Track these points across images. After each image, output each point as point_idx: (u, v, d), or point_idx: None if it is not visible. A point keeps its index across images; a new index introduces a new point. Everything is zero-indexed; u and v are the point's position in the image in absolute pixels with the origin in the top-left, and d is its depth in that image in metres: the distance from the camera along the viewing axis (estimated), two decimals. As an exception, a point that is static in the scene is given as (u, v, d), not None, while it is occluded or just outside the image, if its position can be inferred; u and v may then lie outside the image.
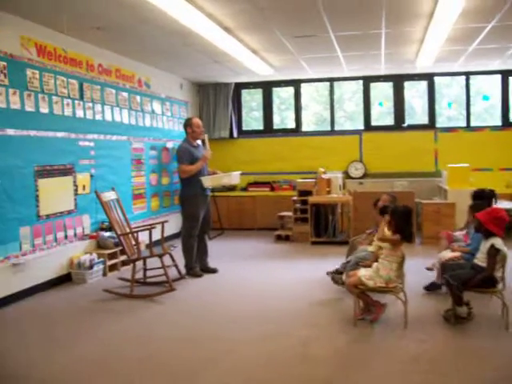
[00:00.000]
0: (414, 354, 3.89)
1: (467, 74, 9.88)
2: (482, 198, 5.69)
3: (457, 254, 5.33)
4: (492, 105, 10.15)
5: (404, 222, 4.53)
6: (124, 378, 3.63)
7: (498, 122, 9.92)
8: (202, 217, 6.57)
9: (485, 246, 4.44)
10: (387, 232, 4.87)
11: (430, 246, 7.39)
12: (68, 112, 6.40)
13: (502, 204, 7.27)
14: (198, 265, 6.65)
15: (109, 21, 5.79)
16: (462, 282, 4.37)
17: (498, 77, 9.80)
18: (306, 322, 4.71)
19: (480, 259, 4.51)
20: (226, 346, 4.17)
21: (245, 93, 11.13)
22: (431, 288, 5.55)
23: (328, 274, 5.90)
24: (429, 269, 5.79)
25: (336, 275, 5.70)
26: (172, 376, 3.65)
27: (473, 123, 10.02)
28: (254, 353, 4.03)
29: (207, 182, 6.45)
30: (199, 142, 6.84)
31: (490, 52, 7.93)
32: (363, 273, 4.59)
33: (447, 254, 5.43)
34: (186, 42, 6.82)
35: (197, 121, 6.72)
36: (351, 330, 4.45)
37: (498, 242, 4.35)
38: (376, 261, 4.90)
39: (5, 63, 5.40)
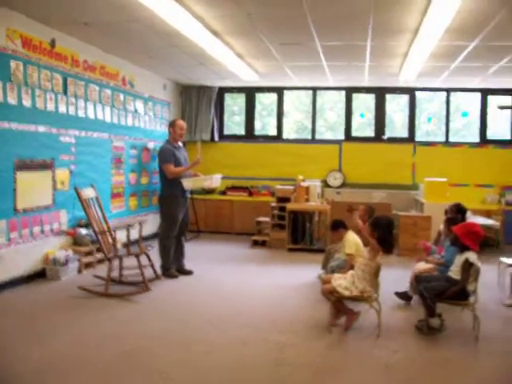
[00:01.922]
0: (387, 363, 3.94)
1: (448, 91, 10.04)
2: (461, 212, 5.81)
3: (431, 265, 5.41)
4: (470, 121, 10.32)
5: (386, 233, 4.55)
6: (101, 374, 3.64)
7: (476, 139, 10.09)
8: (181, 218, 6.56)
9: (459, 259, 4.53)
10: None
11: (407, 257, 7.48)
12: (50, 106, 6.35)
13: (476, 219, 7.40)
14: (174, 266, 6.64)
15: (97, 17, 5.77)
16: (435, 294, 4.45)
17: (478, 94, 9.98)
18: (281, 327, 4.73)
19: (454, 272, 4.59)
20: (202, 347, 4.18)
21: (227, 97, 11.15)
22: (402, 296, 5.60)
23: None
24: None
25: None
26: (147, 373, 3.66)
27: (451, 139, 10.18)
28: (230, 356, 4.04)
29: (188, 183, 6.45)
30: (180, 143, 6.84)
31: (472, 70, 8.08)
32: (338, 282, 4.62)
33: (421, 266, 5.52)
34: (173, 43, 6.82)
35: (181, 123, 6.72)
36: (326, 337, 4.49)
37: (472, 256, 4.44)
38: (351, 268, 4.96)
39: (-11, 54, 5.37)
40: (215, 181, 6.79)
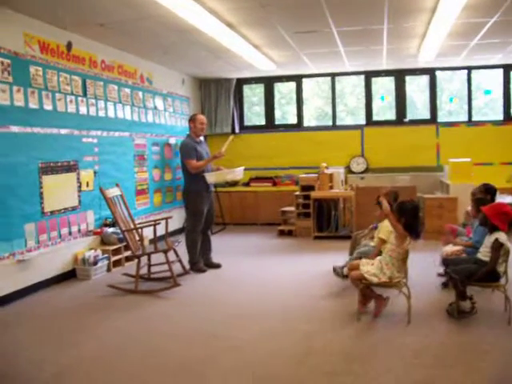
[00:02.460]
0: (418, 348, 3.92)
1: (469, 69, 9.88)
2: (490, 192, 5.72)
3: (459, 247, 5.36)
4: (493, 99, 10.15)
5: (412, 218, 4.49)
6: (128, 375, 3.66)
7: (500, 117, 9.92)
8: (206, 212, 6.60)
9: (489, 239, 4.47)
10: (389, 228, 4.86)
11: (433, 240, 7.40)
12: (71, 109, 6.42)
13: (503, 198, 7.30)
14: (201, 260, 6.68)
15: (112, 17, 5.81)
16: (465, 276, 4.41)
17: (500, 71, 9.79)
18: (310, 316, 4.75)
19: (483, 253, 4.54)
20: (232, 342, 4.20)
21: (246, 88, 11.14)
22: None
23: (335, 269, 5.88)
24: (440, 275, 5.77)
25: (338, 268, 5.71)
26: (177, 372, 3.68)
27: (474, 118, 10.03)
28: (260, 348, 4.06)
29: (211, 178, 6.47)
30: (202, 138, 6.86)
31: (492, 46, 7.93)
32: (366, 268, 4.60)
33: (449, 249, 5.46)
34: (188, 38, 6.82)
35: (201, 117, 6.74)
36: (355, 324, 4.48)
37: (502, 236, 4.38)
38: (378, 254, 4.93)
39: (9, 61, 5.43)
40: (238, 173, 6.79)
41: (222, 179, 7.09)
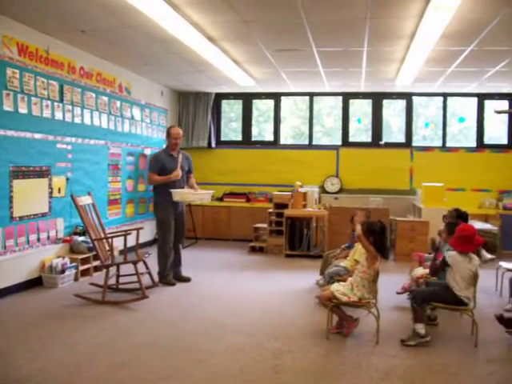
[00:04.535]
0: (385, 369, 3.91)
1: (445, 96, 10.05)
2: (462, 217, 5.79)
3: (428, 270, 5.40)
4: (467, 126, 10.32)
5: (382, 238, 4.53)
6: (97, 384, 3.59)
7: (472, 144, 10.09)
8: (175, 225, 6.54)
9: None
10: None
11: (403, 262, 7.47)
12: (47, 114, 6.33)
13: (474, 224, 7.39)
14: (171, 273, 6.61)
15: (94, 24, 5.77)
16: (422, 299, 4.45)
17: (475, 99, 9.99)
18: (278, 334, 4.70)
19: (452, 277, 4.57)
20: (199, 355, 4.15)
21: (224, 103, 11.14)
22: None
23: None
24: (399, 293, 5.81)
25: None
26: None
27: (448, 144, 10.18)
28: (227, 363, 4.01)
29: (176, 196, 6.32)
30: (177, 152, 6.78)
31: (468, 75, 8.10)
32: (337, 287, 4.61)
33: (419, 272, 5.51)
34: (169, 50, 6.81)
35: (175, 132, 6.59)
36: (324, 344, 4.46)
37: (453, 254, 4.47)
38: (351, 275, 4.93)
39: (-15, 61, 5.35)
40: (205, 197, 6.70)
41: (186, 199, 6.86)
